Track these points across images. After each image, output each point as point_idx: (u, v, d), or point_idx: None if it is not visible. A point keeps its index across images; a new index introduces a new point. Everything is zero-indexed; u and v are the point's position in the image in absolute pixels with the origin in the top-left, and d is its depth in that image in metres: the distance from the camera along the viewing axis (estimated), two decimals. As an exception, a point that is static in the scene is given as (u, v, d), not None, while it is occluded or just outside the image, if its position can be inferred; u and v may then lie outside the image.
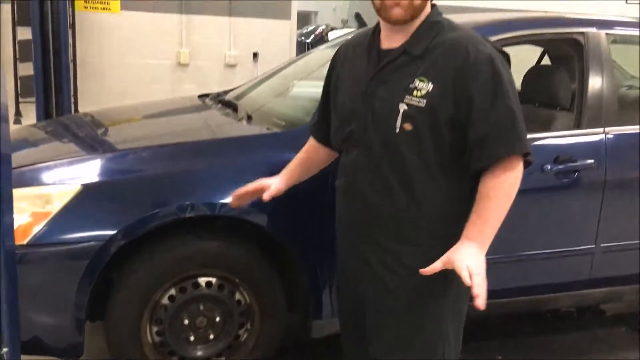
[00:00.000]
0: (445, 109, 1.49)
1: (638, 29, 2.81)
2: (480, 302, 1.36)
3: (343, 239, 1.76)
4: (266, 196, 1.86)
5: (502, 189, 1.48)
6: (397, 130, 1.51)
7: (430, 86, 1.49)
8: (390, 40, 1.58)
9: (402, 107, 1.50)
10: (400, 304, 1.61)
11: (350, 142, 1.64)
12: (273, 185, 1.87)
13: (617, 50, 3.58)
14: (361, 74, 1.62)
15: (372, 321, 1.68)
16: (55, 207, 2.00)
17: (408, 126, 1.50)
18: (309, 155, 1.92)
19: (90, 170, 2.18)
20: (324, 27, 10.48)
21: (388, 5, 1.51)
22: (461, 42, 1.52)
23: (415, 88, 1.50)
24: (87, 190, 2.06)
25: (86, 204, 2.06)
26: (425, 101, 1.48)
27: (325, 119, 1.81)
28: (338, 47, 1.81)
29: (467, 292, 1.46)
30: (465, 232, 1.49)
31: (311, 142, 1.92)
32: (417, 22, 1.56)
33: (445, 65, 1.50)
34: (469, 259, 1.41)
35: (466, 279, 1.38)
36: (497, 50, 1.56)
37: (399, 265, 1.60)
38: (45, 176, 2.09)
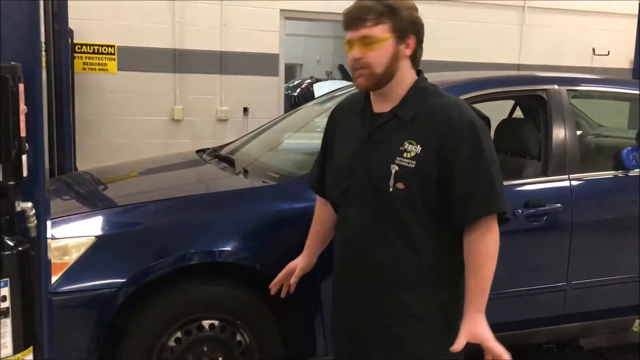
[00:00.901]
0: (432, 170, 1.63)
1: (598, 85, 3.11)
2: None
3: (344, 290, 1.85)
4: (293, 280, 2.05)
5: (488, 255, 1.65)
6: (391, 189, 1.65)
7: (418, 148, 1.63)
8: (380, 104, 1.72)
9: (394, 168, 1.64)
10: (405, 348, 1.72)
11: (348, 198, 1.77)
12: (298, 266, 2.05)
13: (587, 103, 3.90)
14: (355, 134, 1.76)
15: None
16: (72, 257, 2.19)
17: (401, 185, 1.64)
18: (322, 222, 2.02)
19: (102, 223, 2.37)
20: (309, 80, 10.84)
21: (355, 75, 1.68)
22: (446, 107, 1.66)
23: (405, 150, 1.64)
24: (100, 242, 2.25)
25: (98, 254, 2.25)
26: (414, 162, 1.62)
27: (318, 177, 1.97)
28: (334, 106, 1.97)
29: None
30: (472, 304, 1.66)
31: (319, 204, 2.03)
32: (402, 87, 1.69)
33: (431, 130, 1.64)
34: (489, 333, 1.65)
35: (503, 355, 1.62)
36: (478, 116, 1.70)
37: (404, 311, 1.71)
38: (62, 229, 2.27)
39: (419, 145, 1.63)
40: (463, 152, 1.63)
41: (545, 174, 2.75)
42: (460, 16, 6.27)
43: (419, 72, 1.74)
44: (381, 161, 1.68)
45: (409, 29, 1.66)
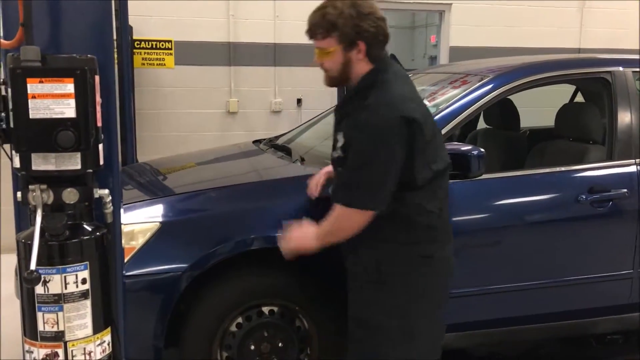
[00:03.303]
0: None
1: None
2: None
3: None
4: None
5: (343, 218, 1.91)
6: (338, 171, 1.99)
7: (343, 140, 1.89)
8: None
9: (336, 154, 1.94)
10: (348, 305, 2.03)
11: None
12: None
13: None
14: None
15: None
16: (138, 242, 2.27)
17: (341, 169, 1.93)
18: None
19: (166, 210, 2.45)
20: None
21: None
22: (365, 104, 1.82)
23: (337, 140, 1.93)
24: (164, 228, 2.33)
25: (163, 239, 2.33)
26: (341, 152, 1.89)
27: None
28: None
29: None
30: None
31: None
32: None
33: (349, 122, 1.88)
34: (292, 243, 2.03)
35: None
36: (398, 116, 1.79)
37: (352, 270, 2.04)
38: (129, 215, 2.36)
39: (343, 138, 1.90)
40: (348, 146, 1.87)
41: (610, 159, 2.67)
42: (517, 0, 6.11)
43: (373, 68, 1.90)
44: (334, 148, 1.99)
45: (356, 36, 1.83)
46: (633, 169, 2.65)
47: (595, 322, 2.72)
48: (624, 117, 2.69)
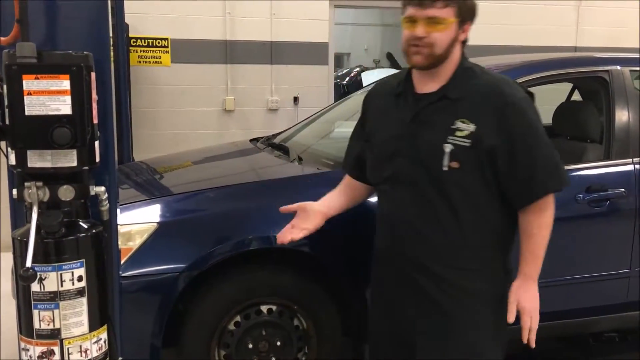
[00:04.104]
0: (487, 148, 1.65)
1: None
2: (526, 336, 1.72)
3: (387, 269, 1.88)
4: (299, 235, 1.97)
5: (545, 225, 1.73)
6: (445, 168, 1.68)
7: (472, 127, 1.65)
8: (425, 84, 1.75)
9: (448, 147, 1.67)
10: (453, 323, 1.77)
11: (397, 179, 1.78)
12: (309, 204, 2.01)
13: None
14: (399, 116, 1.78)
15: (424, 344, 1.81)
16: (136, 243, 2.26)
17: (455, 164, 1.67)
18: (349, 188, 2.07)
19: (163, 210, 2.44)
20: (357, 69, 10.80)
21: (411, 51, 1.69)
22: (496, 85, 1.70)
23: (458, 129, 1.66)
24: (162, 228, 2.32)
25: (161, 240, 2.32)
26: (470, 141, 1.65)
27: (360, 159, 1.97)
28: (367, 92, 2.01)
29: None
30: (524, 269, 1.75)
31: (347, 181, 2.07)
32: (450, 68, 1.73)
33: (484, 107, 1.67)
34: (533, 301, 1.73)
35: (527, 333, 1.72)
36: (524, 92, 1.75)
37: (454, 289, 1.76)
38: (126, 216, 2.35)
39: (472, 124, 1.65)
40: (520, 130, 1.66)
41: (607, 158, 2.67)
42: (514, -1, 6.12)
43: (462, 53, 1.78)
44: (432, 141, 1.70)
45: (469, 15, 1.71)
46: (630, 168, 2.65)
47: (593, 321, 2.73)
48: (622, 116, 2.69)
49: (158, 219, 2.35)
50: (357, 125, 2.01)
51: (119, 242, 2.27)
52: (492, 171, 1.68)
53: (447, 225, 1.73)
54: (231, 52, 5.54)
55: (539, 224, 1.72)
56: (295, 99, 5.76)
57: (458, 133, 1.67)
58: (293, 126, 3.78)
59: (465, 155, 1.66)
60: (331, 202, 2.04)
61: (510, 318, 1.71)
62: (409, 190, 1.76)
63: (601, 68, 2.77)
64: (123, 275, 2.21)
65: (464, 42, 1.75)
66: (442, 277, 1.76)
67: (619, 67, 2.76)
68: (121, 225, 2.34)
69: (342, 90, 9.40)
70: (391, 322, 1.90)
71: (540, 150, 1.68)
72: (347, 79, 10.43)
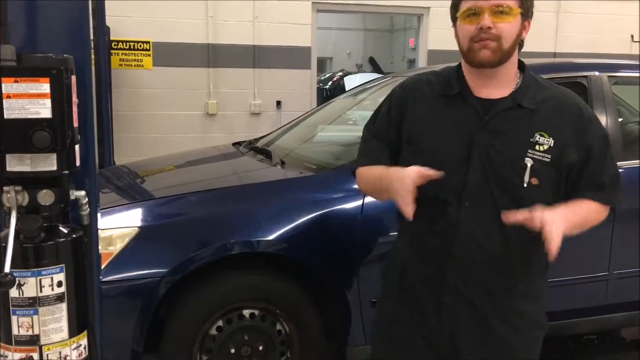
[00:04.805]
0: (565, 164, 1.53)
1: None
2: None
3: (422, 290, 1.64)
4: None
5: (596, 215, 1.61)
6: (525, 184, 1.51)
7: (551, 141, 1.52)
8: (484, 87, 1.56)
9: (529, 162, 1.51)
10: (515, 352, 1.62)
11: (464, 192, 1.54)
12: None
13: (628, 90, 3.82)
14: (459, 121, 1.56)
15: None
16: (116, 247, 2.24)
17: (535, 181, 1.51)
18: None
19: (145, 214, 2.42)
20: (340, 73, 10.85)
21: (476, 47, 1.50)
22: (570, 99, 1.59)
23: (537, 143, 1.52)
24: (143, 232, 2.30)
25: (142, 244, 2.30)
26: (550, 156, 1.51)
27: (388, 158, 1.65)
28: (404, 84, 1.70)
29: None
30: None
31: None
32: (511, 71, 1.57)
33: (561, 121, 1.54)
34: (558, 217, 1.41)
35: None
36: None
37: (522, 320, 1.60)
38: (107, 220, 2.33)
39: (551, 138, 1.52)
40: (597, 146, 1.57)
41: (586, 162, 2.70)
42: (494, 5, 6.18)
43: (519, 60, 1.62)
44: (508, 154, 1.52)
45: (530, 10, 1.56)
46: (609, 171, 2.68)
47: (573, 324, 2.76)
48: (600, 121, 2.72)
49: (139, 223, 2.34)
50: (380, 122, 1.69)
51: (100, 247, 2.26)
52: (564, 187, 1.58)
53: (523, 247, 1.56)
54: (213, 55, 5.54)
55: (592, 211, 1.59)
56: (278, 103, 5.77)
57: (538, 147, 1.52)
58: (276, 130, 3.79)
59: (545, 171, 1.52)
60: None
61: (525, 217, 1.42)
62: (478, 205, 1.54)
63: (580, 74, 2.81)
64: (104, 280, 2.19)
65: (520, 44, 1.58)
66: (509, 307, 1.59)
67: (597, 73, 2.81)
68: (102, 229, 2.32)
69: (325, 94, 9.45)
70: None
71: (612, 162, 1.63)
72: (330, 83, 10.48)
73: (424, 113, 1.62)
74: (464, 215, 1.54)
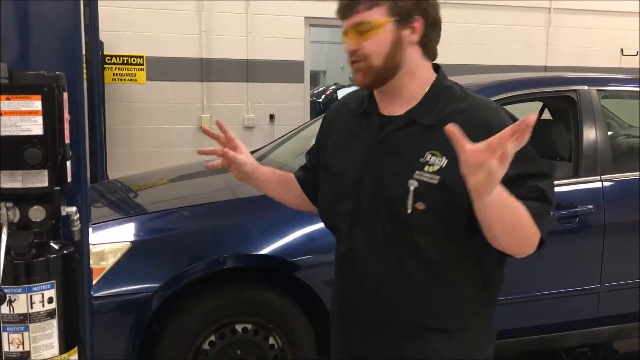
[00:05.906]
0: (461, 187, 1.18)
1: (628, 85, 3.09)
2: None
3: (349, 336, 1.47)
4: (231, 154, 1.55)
5: (526, 223, 1.24)
6: (409, 210, 1.30)
7: (444, 161, 1.29)
8: (389, 105, 1.40)
9: (413, 184, 1.31)
10: None
11: (353, 221, 1.40)
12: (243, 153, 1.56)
13: (617, 104, 3.87)
14: (359, 141, 1.42)
15: None
16: (109, 262, 2.24)
17: (420, 205, 1.30)
18: (287, 182, 1.64)
19: (137, 229, 2.42)
20: (333, 86, 10.90)
21: (353, 70, 1.38)
22: (480, 112, 1.34)
23: (427, 163, 1.31)
24: (135, 247, 2.30)
25: (134, 259, 2.30)
26: (438, 177, 1.29)
27: (313, 177, 1.58)
28: (330, 108, 1.63)
29: None
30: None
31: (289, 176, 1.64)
32: (416, 83, 1.38)
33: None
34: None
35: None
36: (511, 118, 1.35)
37: (436, 353, 1.37)
38: (99, 235, 2.33)
39: (444, 157, 1.29)
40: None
41: (576, 175, 2.73)
42: (486, 19, 6.26)
43: (437, 68, 1.42)
44: (396, 175, 1.33)
45: (413, 9, 1.33)
46: (598, 185, 2.71)
47: (565, 336, 2.77)
48: (589, 134, 2.76)
49: (132, 238, 2.34)
50: (312, 149, 1.61)
51: (92, 262, 2.25)
52: (468, 211, 1.25)
53: (418, 280, 1.36)
54: (207, 69, 5.56)
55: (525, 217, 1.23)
56: (272, 117, 5.79)
57: (427, 168, 1.30)
58: (269, 144, 3.80)
59: (432, 196, 1.29)
60: (264, 172, 1.61)
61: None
62: (370, 237, 1.38)
63: (569, 88, 2.84)
64: (96, 295, 2.19)
65: (425, 44, 1.37)
66: (423, 345, 1.38)
67: (586, 87, 2.84)
68: (94, 244, 2.33)
69: (318, 108, 9.49)
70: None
71: (545, 180, 1.31)
72: (323, 96, 10.53)
73: (339, 137, 1.49)
74: (359, 244, 1.40)
